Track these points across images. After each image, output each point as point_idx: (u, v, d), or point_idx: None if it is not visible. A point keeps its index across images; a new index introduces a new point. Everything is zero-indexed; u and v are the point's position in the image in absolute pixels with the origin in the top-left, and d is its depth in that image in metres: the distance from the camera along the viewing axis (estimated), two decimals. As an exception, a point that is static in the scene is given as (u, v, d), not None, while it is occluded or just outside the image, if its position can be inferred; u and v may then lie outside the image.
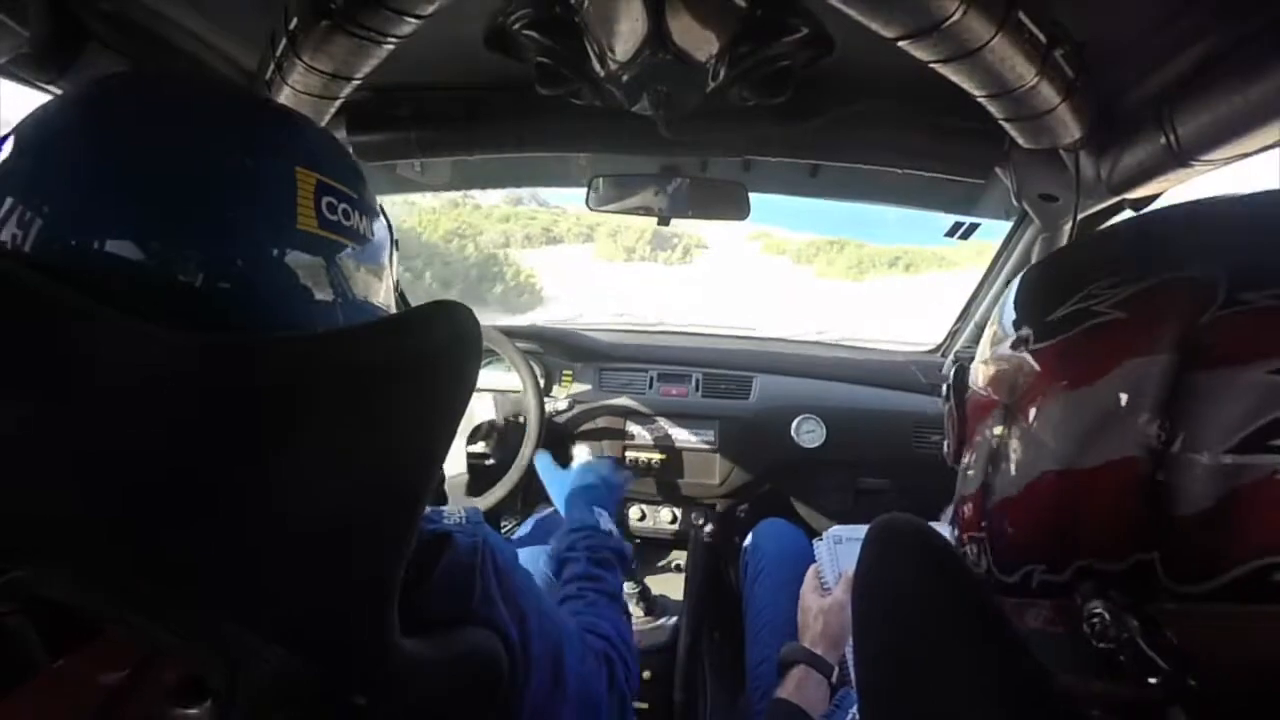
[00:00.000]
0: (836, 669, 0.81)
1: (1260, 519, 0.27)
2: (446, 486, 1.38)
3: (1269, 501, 0.27)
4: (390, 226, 0.49)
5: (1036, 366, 0.36)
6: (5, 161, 0.36)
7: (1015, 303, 0.41)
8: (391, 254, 0.49)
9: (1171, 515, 0.29)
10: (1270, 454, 0.27)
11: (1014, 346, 0.38)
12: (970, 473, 0.42)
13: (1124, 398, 0.31)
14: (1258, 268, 0.30)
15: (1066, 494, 0.34)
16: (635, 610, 1.28)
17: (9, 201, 0.34)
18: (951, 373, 0.48)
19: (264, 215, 0.38)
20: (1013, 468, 0.37)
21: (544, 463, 1.14)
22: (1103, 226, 0.35)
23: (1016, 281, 0.42)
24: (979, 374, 0.43)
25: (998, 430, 0.39)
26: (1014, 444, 0.37)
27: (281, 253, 0.39)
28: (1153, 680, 0.30)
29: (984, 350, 0.43)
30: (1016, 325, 0.39)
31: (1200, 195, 0.38)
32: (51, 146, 0.36)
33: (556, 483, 1.07)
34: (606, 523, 0.92)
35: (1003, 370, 0.39)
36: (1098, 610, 0.31)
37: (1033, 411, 0.36)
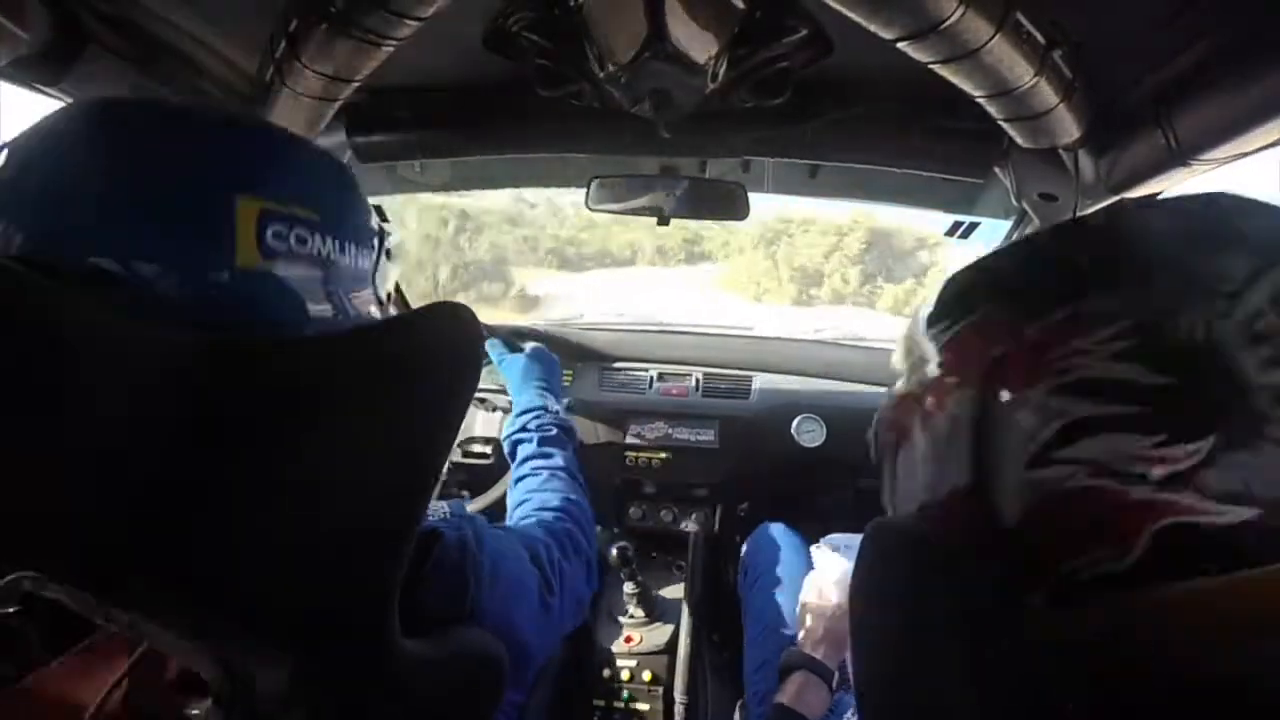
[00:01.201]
0: (836, 674, 0.81)
1: (1065, 525, 0.30)
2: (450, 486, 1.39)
3: (1068, 509, 0.30)
4: (384, 236, 0.48)
5: (900, 410, 0.41)
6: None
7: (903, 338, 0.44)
8: (378, 267, 0.47)
9: (999, 531, 0.32)
10: (1057, 466, 0.30)
11: (910, 375, 0.42)
12: (884, 497, 0.46)
13: (952, 434, 0.35)
14: (1030, 304, 0.33)
15: (937, 519, 0.37)
16: (635, 610, 1.28)
17: None
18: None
19: (204, 250, 0.37)
20: (897, 499, 0.42)
21: (495, 349, 1.17)
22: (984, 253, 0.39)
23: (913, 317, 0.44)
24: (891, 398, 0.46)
25: (891, 461, 0.43)
26: (898, 469, 0.42)
27: (235, 284, 0.38)
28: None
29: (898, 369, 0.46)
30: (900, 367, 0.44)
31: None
32: (30, 165, 0.37)
33: (508, 366, 1.12)
34: (553, 403, 1.01)
35: (904, 397, 0.43)
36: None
37: (909, 442, 0.40)
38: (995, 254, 0.42)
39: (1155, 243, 0.33)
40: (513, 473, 0.89)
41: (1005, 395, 0.32)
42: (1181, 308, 0.30)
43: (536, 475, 0.84)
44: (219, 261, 0.37)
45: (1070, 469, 0.30)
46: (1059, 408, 0.30)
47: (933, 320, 0.39)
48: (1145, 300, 0.31)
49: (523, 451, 0.91)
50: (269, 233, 0.38)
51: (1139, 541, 0.29)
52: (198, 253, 0.37)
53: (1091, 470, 0.29)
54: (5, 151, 0.38)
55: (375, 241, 0.47)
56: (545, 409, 0.98)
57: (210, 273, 0.37)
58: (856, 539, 0.58)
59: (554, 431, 0.94)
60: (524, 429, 0.94)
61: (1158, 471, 0.28)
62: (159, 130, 0.39)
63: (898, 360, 0.45)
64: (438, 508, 0.54)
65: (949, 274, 0.41)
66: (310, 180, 0.42)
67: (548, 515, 0.75)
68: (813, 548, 1.00)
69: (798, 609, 0.90)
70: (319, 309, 0.41)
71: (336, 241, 0.42)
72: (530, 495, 0.80)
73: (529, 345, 1.16)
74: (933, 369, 0.38)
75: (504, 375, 1.12)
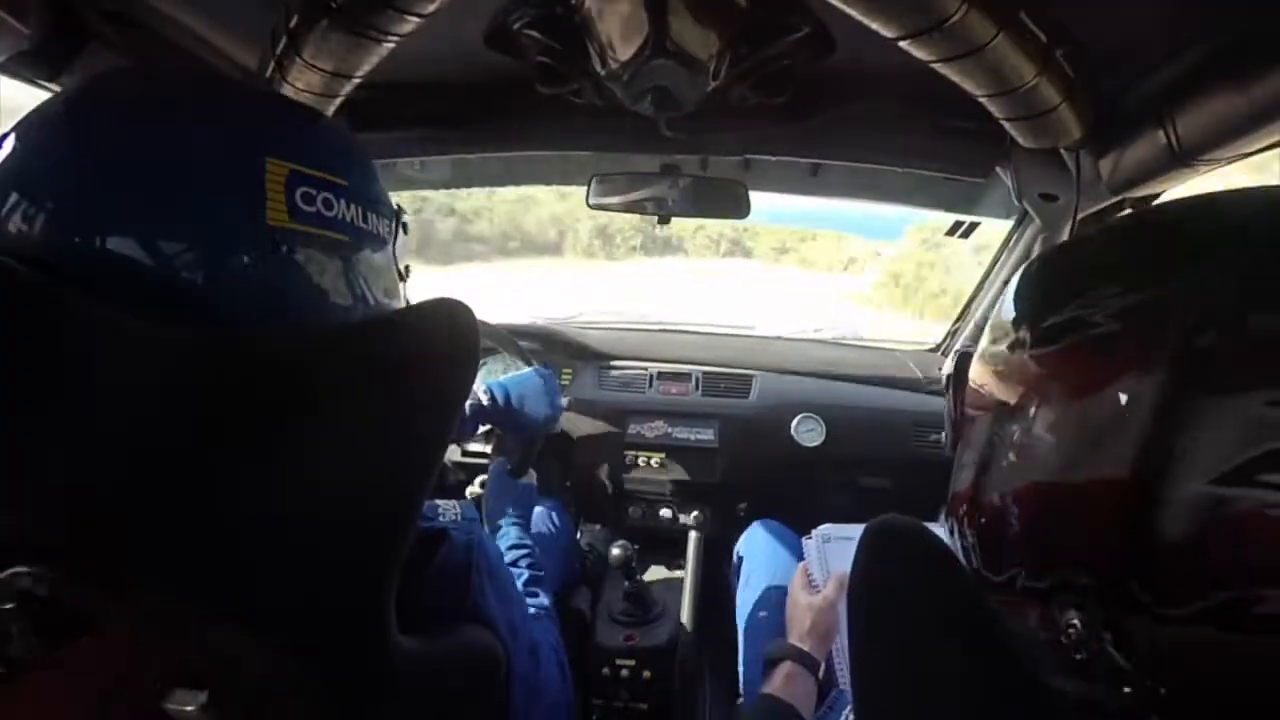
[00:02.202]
0: (823, 665, 0.81)
1: (1241, 552, 0.26)
2: (449, 484, 1.38)
3: (1251, 536, 0.26)
4: (400, 210, 0.48)
5: (1033, 372, 0.35)
6: (8, 158, 0.36)
7: (1015, 299, 0.40)
8: (395, 240, 0.47)
9: (1153, 539, 0.28)
10: (1258, 489, 0.26)
11: (1012, 347, 0.38)
12: (964, 469, 0.42)
13: (1116, 416, 0.30)
14: (1271, 283, 0.27)
15: (1052, 505, 0.33)
16: (635, 610, 1.28)
17: (14, 197, 0.35)
18: (954, 363, 0.47)
19: (236, 209, 0.37)
20: (1003, 471, 0.36)
21: (498, 472, 1.13)
22: (1109, 221, 0.34)
23: (1019, 275, 0.41)
24: (978, 369, 0.42)
25: (992, 431, 0.38)
26: (1006, 448, 0.36)
27: (262, 249, 0.38)
28: (1126, 689, 0.30)
29: (984, 345, 0.42)
30: (1016, 324, 0.38)
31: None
32: (48, 144, 0.37)
33: (503, 492, 1.09)
34: (529, 539, 0.99)
35: (1000, 370, 0.39)
36: (1073, 621, 0.31)
37: (1026, 418, 0.35)
38: (1232, 198, 0.33)
39: None
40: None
41: (1207, 395, 0.27)
42: None
43: (539, 620, 0.82)
44: (249, 218, 0.37)
45: (1272, 494, 0.25)
46: (1276, 424, 0.25)
47: (1109, 270, 0.34)
48: None
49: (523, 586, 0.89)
50: (298, 194, 0.39)
51: None
52: (228, 212, 0.37)
53: None
54: (14, 134, 0.37)
55: (392, 214, 0.47)
56: (530, 550, 0.96)
57: (239, 237, 0.37)
58: (848, 529, 0.58)
59: (541, 573, 0.93)
60: (514, 564, 0.92)
61: None
62: (186, 99, 0.39)
63: (992, 322, 0.41)
64: (449, 508, 0.54)
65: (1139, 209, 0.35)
66: (333, 148, 0.43)
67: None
68: (804, 539, 1.00)
69: (787, 601, 0.90)
70: (338, 300, 0.41)
71: (359, 209, 0.42)
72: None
73: (526, 480, 1.13)
74: (1092, 335, 0.32)
75: (493, 496, 1.09)
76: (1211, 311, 0.28)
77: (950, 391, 0.47)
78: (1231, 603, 0.26)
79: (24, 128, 0.37)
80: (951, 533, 0.44)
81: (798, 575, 0.92)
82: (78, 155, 0.36)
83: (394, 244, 0.47)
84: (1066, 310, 0.34)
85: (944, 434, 0.50)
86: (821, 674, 0.80)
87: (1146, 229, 0.36)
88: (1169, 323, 0.29)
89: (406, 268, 0.50)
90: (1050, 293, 0.37)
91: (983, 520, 0.38)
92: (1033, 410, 0.34)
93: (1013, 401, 0.36)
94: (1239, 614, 0.26)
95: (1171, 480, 0.27)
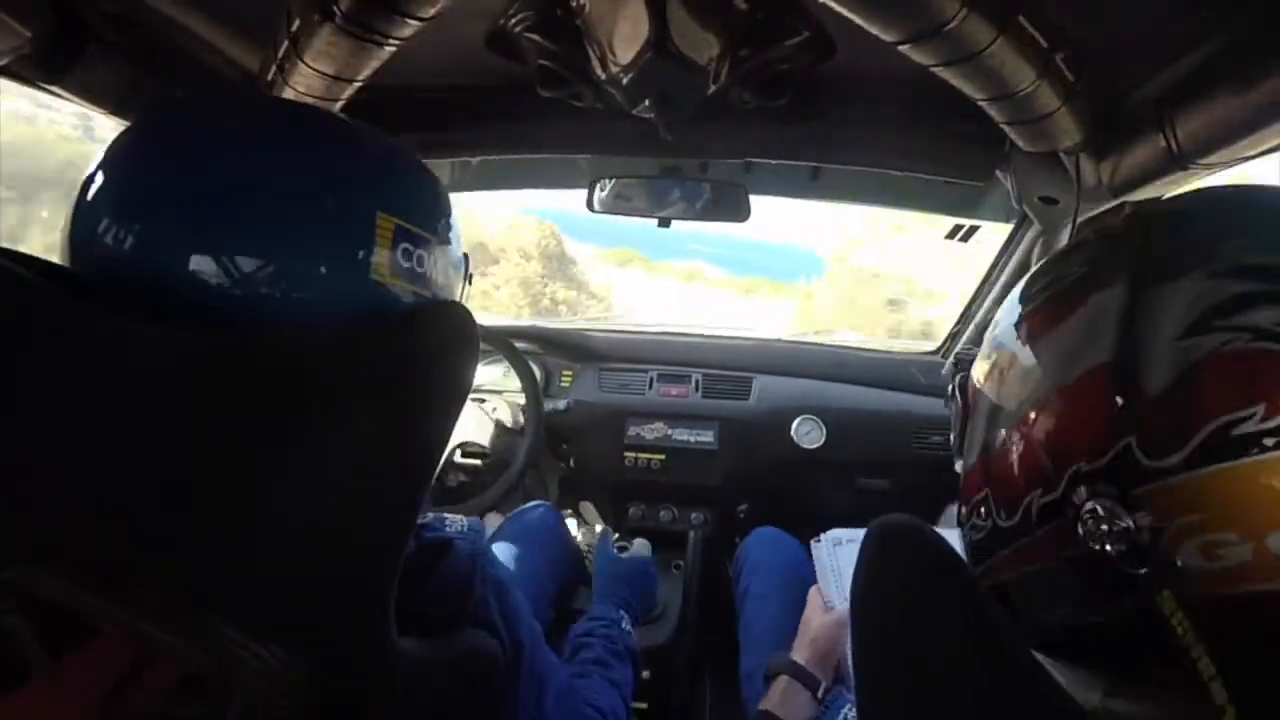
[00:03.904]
0: (824, 683, 0.79)
1: (1211, 386, 0.32)
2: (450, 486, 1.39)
3: (1217, 371, 0.32)
4: (468, 260, 0.49)
5: (1023, 328, 0.43)
6: (100, 183, 0.37)
7: (1019, 288, 0.47)
8: (464, 290, 0.48)
9: (1140, 398, 0.34)
10: (1213, 333, 0.32)
11: (1010, 323, 0.45)
12: (970, 442, 0.47)
13: (1093, 320, 0.38)
14: (1178, 224, 0.40)
15: (1055, 413, 0.39)
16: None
17: (105, 221, 0.36)
18: (958, 376, 0.53)
19: (337, 260, 0.38)
20: (1007, 414, 0.42)
21: (604, 548, 1.12)
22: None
23: (1016, 290, 0.47)
24: (980, 365, 0.48)
25: (996, 391, 0.44)
26: (1009, 391, 0.43)
27: (350, 298, 0.39)
28: (1143, 570, 0.33)
29: (989, 335, 0.48)
30: (1014, 307, 0.46)
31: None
32: (141, 169, 0.37)
33: (605, 564, 1.09)
34: (627, 624, 0.95)
35: (1005, 338, 0.45)
36: (1090, 509, 0.35)
37: (1020, 363, 0.42)
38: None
39: None
40: (570, 665, 0.84)
41: (1160, 284, 0.35)
42: None
43: (589, 676, 0.79)
44: (354, 268, 0.38)
45: (1228, 335, 0.32)
46: (1218, 287, 0.33)
47: (1051, 265, 0.44)
48: None
49: (584, 655, 0.85)
50: (400, 249, 0.40)
51: None
52: (334, 257, 0.38)
53: (1251, 334, 0.31)
54: (104, 160, 0.38)
55: (465, 265, 0.48)
56: (619, 624, 0.93)
57: (339, 283, 0.38)
58: (858, 533, 0.60)
59: (621, 648, 0.89)
60: (592, 634, 0.89)
61: None
62: (304, 135, 0.40)
63: (991, 330, 0.48)
64: (456, 520, 0.54)
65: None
66: (434, 202, 0.44)
67: (589, 708, 0.68)
68: (813, 542, 0.99)
69: (801, 622, 0.88)
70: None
71: (444, 265, 0.44)
72: (581, 691, 0.73)
73: (635, 547, 1.12)
74: (1070, 278, 0.41)
75: (596, 571, 1.09)
76: (1149, 236, 0.39)
77: (955, 396, 0.53)
78: (1216, 433, 0.31)
79: (116, 152, 0.38)
80: (963, 523, 0.48)
81: (813, 597, 0.90)
82: (170, 178, 0.36)
83: (461, 294, 0.48)
84: (1045, 277, 0.44)
85: (950, 436, 0.56)
86: (822, 691, 0.79)
87: (1098, 223, 0.46)
88: (1123, 244, 0.40)
89: None
90: (1036, 272, 0.46)
91: (996, 470, 0.43)
92: (1025, 354, 0.42)
93: (1007, 361, 0.44)
94: (1224, 443, 0.31)
95: (1145, 346, 0.34)
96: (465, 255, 0.49)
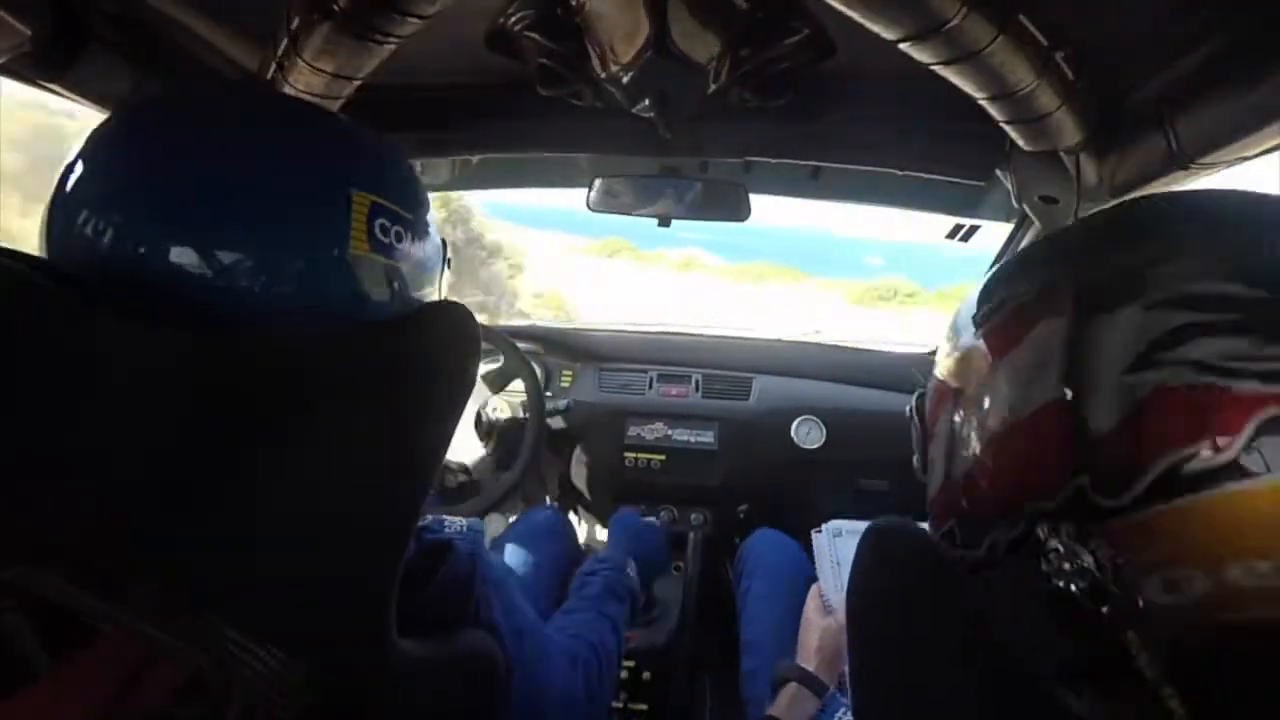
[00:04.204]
0: (831, 689, 0.80)
1: (1158, 424, 0.31)
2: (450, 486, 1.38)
3: (1163, 408, 0.31)
4: (445, 244, 0.50)
5: (978, 353, 0.42)
6: (79, 176, 0.37)
7: (960, 313, 0.46)
8: (441, 271, 0.49)
9: (1090, 437, 0.33)
10: (1157, 368, 0.32)
11: (959, 349, 0.44)
12: (933, 469, 0.46)
13: (1041, 353, 0.37)
14: (1115, 244, 0.38)
15: (1010, 445, 0.38)
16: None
17: (84, 214, 0.36)
18: (914, 397, 0.53)
19: (316, 237, 0.39)
20: (969, 440, 0.41)
21: (624, 517, 1.18)
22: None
23: (967, 297, 0.46)
24: (936, 380, 0.47)
25: (953, 416, 0.43)
26: (967, 422, 0.41)
27: (332, 275, 0.39)
28: (1104, 609, 0.33)
29: (940, 362, 0.47)
30: (959, 331, 0.45)
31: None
32: (118, 161, 0.38)
33: (621, 521, 1.15)
34: (632, 570, 0.98)
35: (952, 367, 0.44)
36: (1052, 548, 0.34)
37: (975, 392, 0.41)
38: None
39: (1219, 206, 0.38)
40: (570, 598, 0.88)
41: (1100, 315, 0.34)
42: (1264, 236, 0.33)
43: (587, 614, 0.82)
44: (333, 246, 0.39)
45: (1171, 370, 0.31)
46: (1158, 319, 0.32)
47: (999, 286, 0.43)
48: (1232, 233, 0.34)
49: (585, 590, 0.89)
50: (377, 225, 0.40)
51: (1242, 434, 0.29)
52: (312, 238, 0.38)
53: (1194, 369, 0.31)
54: (82, 153, 0.38)
55: (442, 249, 0.49)
56: (623, 569, 0.96)
57: (319, 263, 0.38)
58: (858, 525, 0.60)
59: (621, 589, 0.92)
60: (594, 573, 0.92)
61: (1262, 367, 0.30)
62: (274, 121, 0.41)
63: (941, 350, 0.47)
64: (455, 522, 0.54)
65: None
66: (407, 182, 0.44)
67: (579, 642, 0.71)
68: (813, 532, 0.99)
69: (801, 622, 0.89)
70: (378, 301, 0.42)
71: (421, 242, 0.44)
72: (570, 622, 0.78)
73: (648, 518, 1.18)
74: (1016, 303, 0.40)
75: (612, 525, 1.15)
76: (1087, 264, 0.38)
77: (914, 419, 0.52)
78: (1167, 472, 0.31)
79: (94, 145, 0.38)
80: (939, 539, 0.46)
81: (812, 597, 0.90)
82: (147, 169, 0.37)
83: (440, 278, 0.49)
84: (996, 297, 0.42)
85: (913, 459, 0.53)
86: (828, 697, 0.79)
87: (1046, 241, 0.46)
88: (1064, 278, 0.38)
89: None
90: (986, 290, 0.45)
91: (958, 498, 0.42)
92: (980, 381, 0.41)
93: (966, 384, 0.42)
94: (1176, 480, 0.31)
95: (1091, 382, 0.34)
96: (443, 240, 0.49)
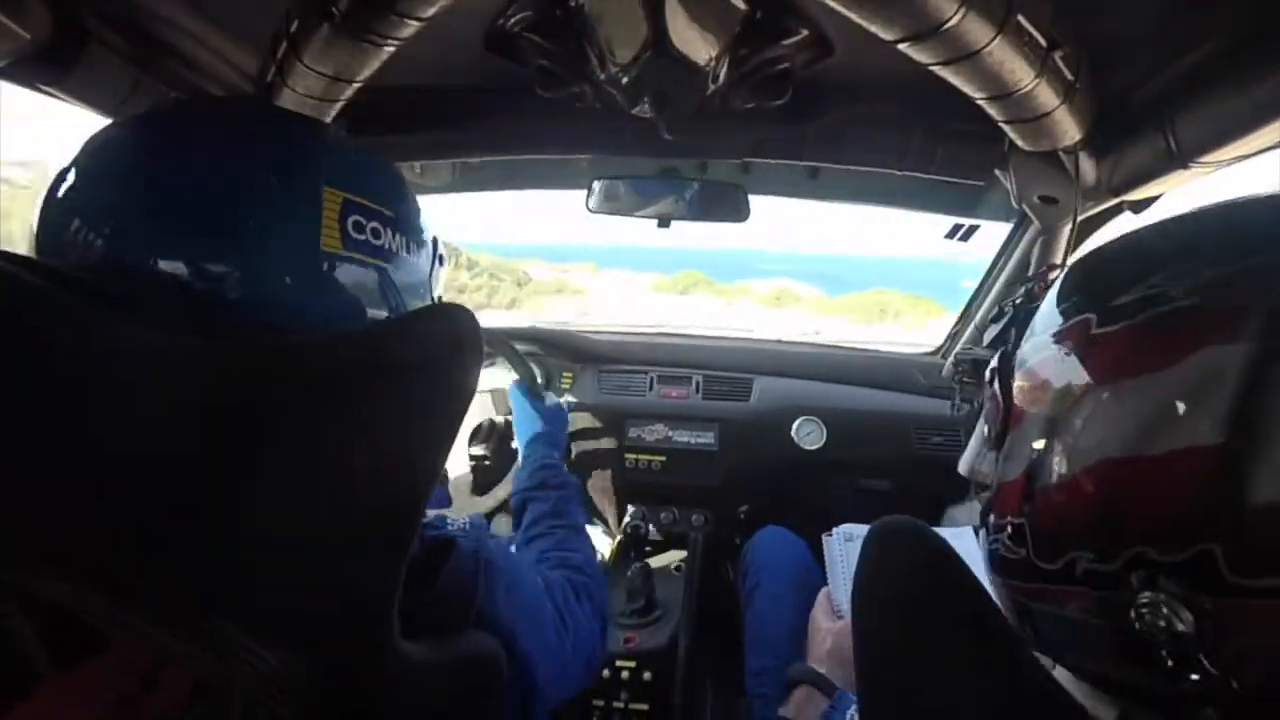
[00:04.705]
0: (842, 689, 0.80)
1: None
2: (450, 488, 1.38)
3: None
4: (437, 242, 0.50)
5: (1102, 352, 0.35)
6: (71, 187, 0.38)
7: (1072, 287, 0.40)
8: (434, 269, 0.49)
9: (1241, 507, 0.28)
10: None
11: (1070, 332, 0.37)
12: (1013, 460, 0.41)
13: (1198, 387, 0.30)
14: None
15: (1127, 482, 0.33)
16: (635, 612, 1.28)
17: (76, 223, 0.37)
18: (995, 359, 0.47)
19: (290, 235, 0.40)
20: (1068, 453, 0.36)
21: (517, 393, 1.15)
22: (1180, 213, 0.36)
23: (1068, 268, 0.41)
24: (1030, 359, 0.42)
25: (1051, 415, 0.38)
26: (1070, 430, 0.36)
27: (311, 273, 0.40)
28: (1194, 676, 0.29)
29: (1037, 336, 0.42)
30: (1076, 309, 0.38)
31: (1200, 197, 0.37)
32: (107, 173, 0.39)
33: (525, 415, 1.12)
34: (560, 460, 1.02)
35: (1058, 355, 0.38)
36: (1147, 600, 0.30)
37: (1094, 398, 0.35)
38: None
39: None
40: (523, 530, 0.87)
41: None
42: None
43: (553, 534, 0.82)
44: (305, 244, 0.40)
45: None
46: None
47: (1183, 251, 0.35)
48: None
49: (535, 510, 0.88)
50: (350, 221, 0.41)
51: None
52: (285, 237, 0.39)
53: None
54: (75, 163, 0.39)
55: (432, 246, 0.49)
56: (559, 468, 0.98)
57: (293, 261, 0.39)
58: (867, 529, 0.59)
59: (570, 491, 0.93)
60: (541, 485, 0.93)
61: None
62: (244, 127, 0.42)
63: (1042, 316, 0.41)
64: (457, 519, 0.54)
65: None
66: (383, 181, 0.45)
67: (568, 570, 0.73)
68: (824, 536, 0.99)
69: (809, 625, 0.89)
70: (375, 313, 0.44)
71: (404, 239, 0.45)
72: (546, 554, 0.79)
73: (549, 398, 1.15)
74: (1169, 309, 0.33)
75: (517, 422, 1.13)
76: None
77: (995, 386, 0.46)
78: None
79: (85, 156, 0.39)
80: (988, 527, 0.44)
81: (821, 600, 0.90)
82: (134, 181, 0.38)
83: (431, 274, 0.49)
84: (1136, 290, 0.34)
85: (960, 433, 0.49)
86: (839, 695, 0.79)
87: (1209, 218, 0.37)
88: (1250, 295, 0.30)
89: (439, 298, 0.53)
90: (1117, 275, 0.37)
91: (1041, 506, 0.38)
92: (1103, 390, 0.34)
93: (1077, 384, 0.36)
94: None
95: (1263, 444, 0.28)
96: (435, 239, 0.50)
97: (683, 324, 1.85)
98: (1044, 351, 0.40)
